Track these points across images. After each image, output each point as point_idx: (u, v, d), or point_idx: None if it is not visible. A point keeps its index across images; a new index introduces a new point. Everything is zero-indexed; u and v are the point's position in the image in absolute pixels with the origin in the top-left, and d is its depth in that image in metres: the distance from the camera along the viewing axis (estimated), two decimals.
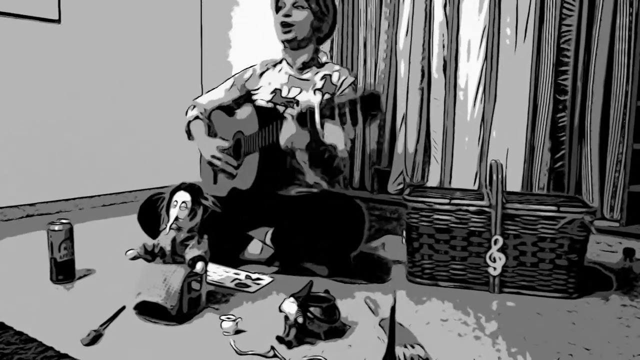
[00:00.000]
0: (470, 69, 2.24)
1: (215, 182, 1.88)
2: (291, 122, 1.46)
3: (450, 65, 2.29)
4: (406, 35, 2.39)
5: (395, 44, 2.43)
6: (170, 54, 3.02)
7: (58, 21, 2.48)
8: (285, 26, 1.75)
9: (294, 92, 1.81)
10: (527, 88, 2.10)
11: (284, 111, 1.77)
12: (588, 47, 1.98)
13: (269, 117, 1.64)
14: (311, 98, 1.78)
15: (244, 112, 1.75)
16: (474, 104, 2.23)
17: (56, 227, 1.50)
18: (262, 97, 1.85)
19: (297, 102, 1.78)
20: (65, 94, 2.55)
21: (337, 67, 1.83)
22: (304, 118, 1.39)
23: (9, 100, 2.35)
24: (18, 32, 2.35)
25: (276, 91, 1.83)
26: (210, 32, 3.17)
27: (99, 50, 2.67)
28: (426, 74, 2.37)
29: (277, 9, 1.78)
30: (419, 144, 2.41)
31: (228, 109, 1.89)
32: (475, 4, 2.19)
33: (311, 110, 1.36)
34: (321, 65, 1.84)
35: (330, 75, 1.81)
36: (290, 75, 1.85)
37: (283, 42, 1.80)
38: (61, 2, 2.47)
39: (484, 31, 2.19)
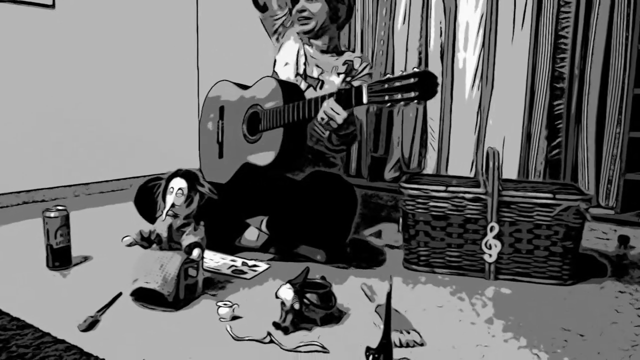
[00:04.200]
0: (467, 57, 2.23)
1: (220, 156, 1.86)
2: (330, 100, 1.46)
3: (448, 53, 2.28)
4: (403, 22, 2.38)
5: (393, 30, 2.42)
6: (166, 41, 2.99)
7: (52, 6, 2.46)
8: (302, 19, 1.78)
9: (315, 73, 1.84)
10: (524, 76, 2.10)
11: (306, 89, 1.79)
12: (586, 35, 1.98)
13: (294, 93, 1.63)
14: (335, 81, 1.81)
15: (265, 85, 1.71)
16: (471, 92, 2.23)
17: (52, 214, 1.50)
18: (281, 70, 1.85)
19: (322, 83, 1.79)
20: (60, 81, 2.53)
21: (358, 55, 1.87)
22: (349, 96, 1.40)
23: (3, 87, 2.33)
24: (12, 17, 2.33)
25: (303, 69, 1.84)
26: (207, 20, 3.14)
27: (94, 36, 2.64)
28: (423, 60, 2.36)
29: (293, 2, 1.79)
30: (415, 132, 2.41)
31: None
32: None
33: (357, 88, 1.37)
34: (341, 53, 1.88)
35: (352, 62, 1.84)
36: (310, 56, 1.86)
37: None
38: None
39: (481, 19, 2.17)
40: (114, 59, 2.74)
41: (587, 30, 1.97)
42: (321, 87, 1.81)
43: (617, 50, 1.90)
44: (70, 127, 2.58)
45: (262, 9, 1.86)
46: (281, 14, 1.88)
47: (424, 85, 1.25)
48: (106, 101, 2.73)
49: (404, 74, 1.29)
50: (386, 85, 1.31)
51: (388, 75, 1.32)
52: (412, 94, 1.26)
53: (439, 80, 2.26)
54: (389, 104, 1.31)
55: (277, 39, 1.91)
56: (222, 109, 1.87)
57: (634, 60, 1.85)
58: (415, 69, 1.28)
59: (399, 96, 1.28)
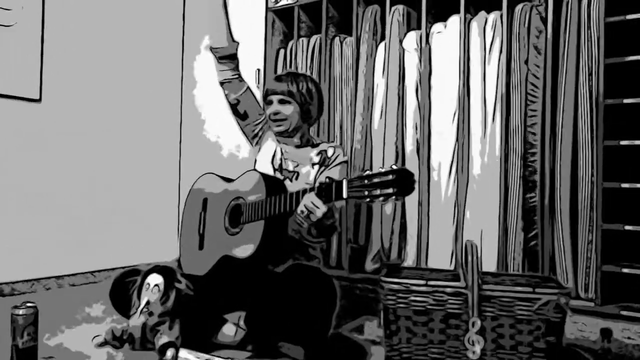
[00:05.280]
0: (442, 151, 2.31)
1: (201, 247, 1.83)
2: (311, 194, 1.49)
3: (424, 147, 2.36)
4: (380, 117, 2.48)
5: (371, 125, 2.51)
6: (148, 132, 3.06)
7: (39, 100, 2.52)
8: (276, 121, 1.86)
9: (291, 166, 1.90)
10: (497, 169, 2.17)
11: (283, 181, 1.83)
12: (554, 130, 2.08)
13: (277, 186, 1.67)
14: (310, 172, 1.86)
15: (249, 178, 1.75)
16: (448, 185, 2.29)
17: (21, 312, 1.44)
18: (264, 163, 1.89)
19: (297, 175, 1.83)
20: (40, 171, 2.53)
21: (332, 144, 1.94)
22: (329, 191, 1.43)
23: None
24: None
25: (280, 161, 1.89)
26: (190, 117, 3.23)
27: (78, 129, 2.69)
28: (400, 155, 2.43)
29: (267, 103, 1.89)
30: (394, 223, 2.43)
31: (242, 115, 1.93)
32: (445, 89, 2.30)
33: (337, 183, 1.40)
34: (316, 145, 1.95)
35: (326, 151, 1.90)
36: (286, 152, 1.92)
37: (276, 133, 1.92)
38: (43, 81, 2.52)
39: (454, 115, 2.28)
40: (95, 151, 2.77)
41: (554, 127, 2.07)
42: (297, 179, 1.86)
43: (584, 145, 1.99)
44: (43, 216, 2.55)
45: (243, 117, 1.95)
46: (260, 119, 1.96)
47: (402, 182, 1.29)
48: (86, 192, 2.72)
49: (383, 170, 1.33)
50: (365, 181, 1.35)
51: (367, 172, 1.36)
52: (391, 190, 1.30)
53: (416, 177, 2.33)
54: (368, 200, 1.34)
55: (257, 142, 1.98)
56: (205, 200, 1.89)
57: (600, 155, 1.93)
58: (393, 166, 1.32)
59: (378, 192, 1.32)
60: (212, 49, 1.90)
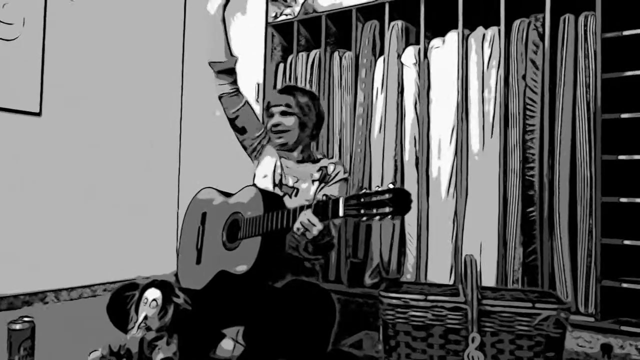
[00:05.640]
0: (441, 165, 2.31)
1: (198, 262, 1.83)
2: (308, 211, 1.49)
3: (422, 161, 2.36)
4: (379, 131, 2.49)
5: (370, 139, 2.52)
6: (147, 148, 3.06)
7: (39, 114, 2.53)
8: (277, 133, 1.86)
9: (291, 182, 1.88)
10: (496, 183, 2.17)
11: (282, 196, 1.82)
12: (552, 145, 2.08)
13: (275, 202, 1.66)
14: (310, 188, 1.85)
15: (247, 193, 1.74)
16: (446, 199, 2.29)
17: (17, 326, 1.43)
18: (260, 183, 1.89)
19: (297, 191, 1.82)
20: (40, 185, 2.53)
21: (332, 160, 1.93)
22: (325, 209, 1.42)
23: None
24: None
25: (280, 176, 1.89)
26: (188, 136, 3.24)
27: (77, 142, 2.69)
28: (399, 169, 2.44)
29: (268, 115, 1.89)
30: (393, 238, 2.42)
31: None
32: (444, 103, 2.31)
33: (334, 201, 1.40)
34: (317, 160, 1.94)
35: (326, 167, 1.89)
36: (286, 167, 1.91)
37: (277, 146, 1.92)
38: (43, 95, 2.53)
39: (453, 129, 2.29)
40: (94, 164, 2.78)
41: (552, 141, 2.08)
42: (296, 195, 1.84)
43: (582, 160, 1.99)
44: (41, 230, 2.55)
45: (241, 131, 1.95)
46: (259, 133, 1.96)
47: (399, 201, 1.29)
48: (86, 204, 2.72)
49: (380, 189, 1.33)
50: (362, 200, 1.34)
51: (365, 190, 1.36)
52: (387, 210, 1.29)
53: (415, 194, 2.34)
54: (364, 218, 1.33)
55: (256, 157, 1.98)
56: (204, 215, 1.88)
57: (599, 170, 1.93)
58: (390, 185, 1.32)
59: (374, 211, 1.31)
60: (210, 63, 1.90)
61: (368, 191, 1.35)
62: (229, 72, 1.91)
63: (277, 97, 1.89)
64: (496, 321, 1.47)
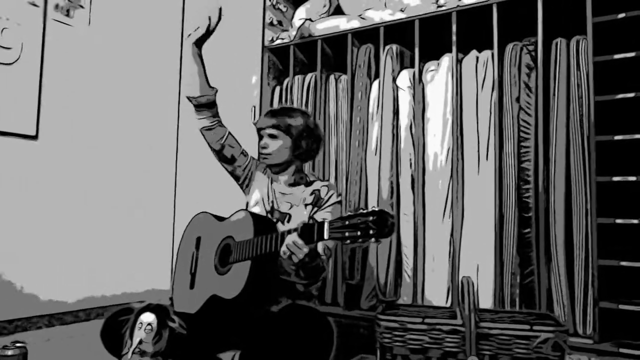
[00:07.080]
0: (437, 186, 2.32)
1: (192, 286, 1.81)
2: (293, 235, 1.48)
3: (418, 182, 2.37)
4: (375, 153, 2.50)
5: (366, 160, 2.53)
6: (143, 170, 3.07)
7: (35, 137, 2.53)
8: (262, 154, 1.86)
9: (284, 207, 1.86)
10: (492, 205, 2.17)
11: (275, 222, 1.80)
12: (547, 167, 2.10)
13: (265, 226, 1.65)
14: (303, 212, 1.83)
15: (239, 217, 1.74)
16: (443, 220, 2.29)
17: (9, 352, 1.41)
18: (256, 206, 1.88)
19: (289, 217, 1.81)
20: (30, 205, 2.52)
21: (325, 183, 1.91)
22: (311, 232, 1.41)
23: None
24: None
25: (271, 202, 1.88)
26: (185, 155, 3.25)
27: (73, 165, 2.69)
28: (395, 190, 2.44)
29: (259, 138, 1.89)
30: (390, 260, 2.41)
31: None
32: (438, 125, 2.33)
33: (319, 224, 1.39)
34: (309, 183, 1.91)
35: (319, 190, 1.87)
36: (278, 192, 1.90)
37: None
38: (40, 118, 2.54)
39: (448, 152, 2.30)
40: (90, 187, 2.77)
41: (547, 162, 2.09)
42: (288, 221, 1.83)
43: (577, 182, 2.01)
44: (35, 254, 2.53)
45: (230, 160, 1.94)
46: (247, 160, 1.97)
47: (381, 223, 1.28)
48: (82, 227, 2.71)
49: (363, 212, 1.32)
50: (346, 222, 1.34)
51: (349, 213, 1.36)
52: (370, 232, 1.29)
53: (409, 218, 2.34)
54: (348, 241, 1.33)
55: (247, 185, 1.98)
56: (198, 239, 1.88)
57: (594, 190, 1.94)
58: (374, 208, 1.31)
59: (357, 233, 1.30)
60: (188, 98, 1.90)
61: (352, 214, 1.34)
62: (208, 106, 1.90)
63: (267, 119, 1.88)
64: (494, 344, 1.46)
